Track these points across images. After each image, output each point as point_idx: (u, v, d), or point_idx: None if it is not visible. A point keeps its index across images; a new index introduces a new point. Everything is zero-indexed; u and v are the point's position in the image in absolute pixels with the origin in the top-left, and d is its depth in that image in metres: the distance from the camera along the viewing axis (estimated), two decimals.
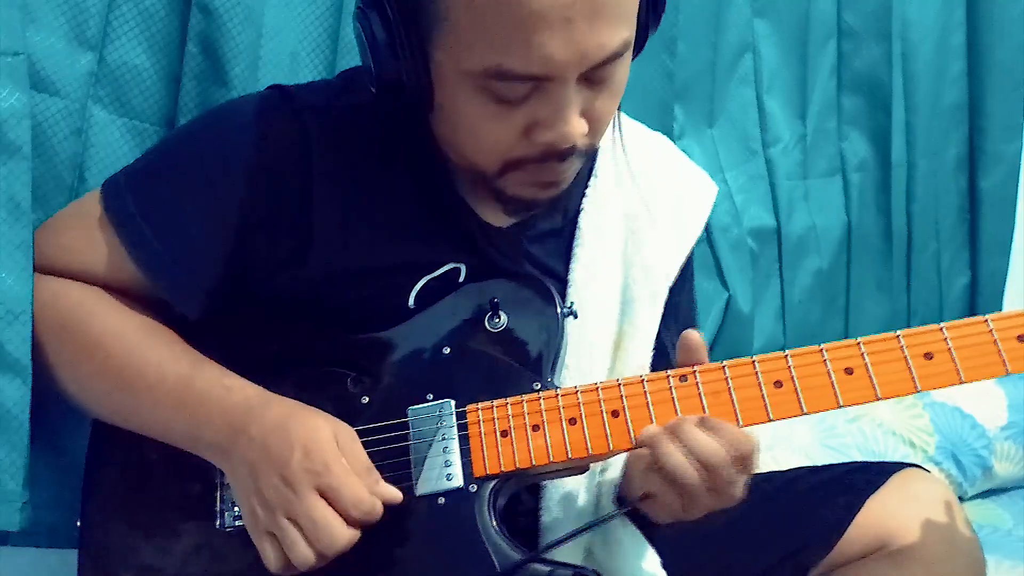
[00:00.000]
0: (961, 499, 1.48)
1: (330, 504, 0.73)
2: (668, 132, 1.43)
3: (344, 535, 0.73)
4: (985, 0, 1.65)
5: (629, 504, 0.79)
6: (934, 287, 1.75)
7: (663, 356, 0.93)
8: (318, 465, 0.73)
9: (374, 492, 0.75)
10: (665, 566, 0.87)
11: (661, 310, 0.95)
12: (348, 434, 0.77)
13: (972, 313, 1.69)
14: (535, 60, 0.70)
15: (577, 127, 0.75)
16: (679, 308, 0.99)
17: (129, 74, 1.03)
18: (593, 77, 0.74)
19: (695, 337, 0.78)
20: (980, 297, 1.79)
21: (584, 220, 0.93)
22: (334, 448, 0.75)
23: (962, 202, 1.75)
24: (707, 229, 1.49)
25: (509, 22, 0.69)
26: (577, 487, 0.86)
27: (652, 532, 0.90)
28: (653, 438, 0.74)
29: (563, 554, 0.86)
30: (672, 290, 0.97)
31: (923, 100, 1.64)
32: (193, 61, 1.04)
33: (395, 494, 0.76)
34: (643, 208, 0.96)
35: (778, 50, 1.55)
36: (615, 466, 0.91)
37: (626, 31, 0.73)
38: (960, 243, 1.77)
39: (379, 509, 0.74)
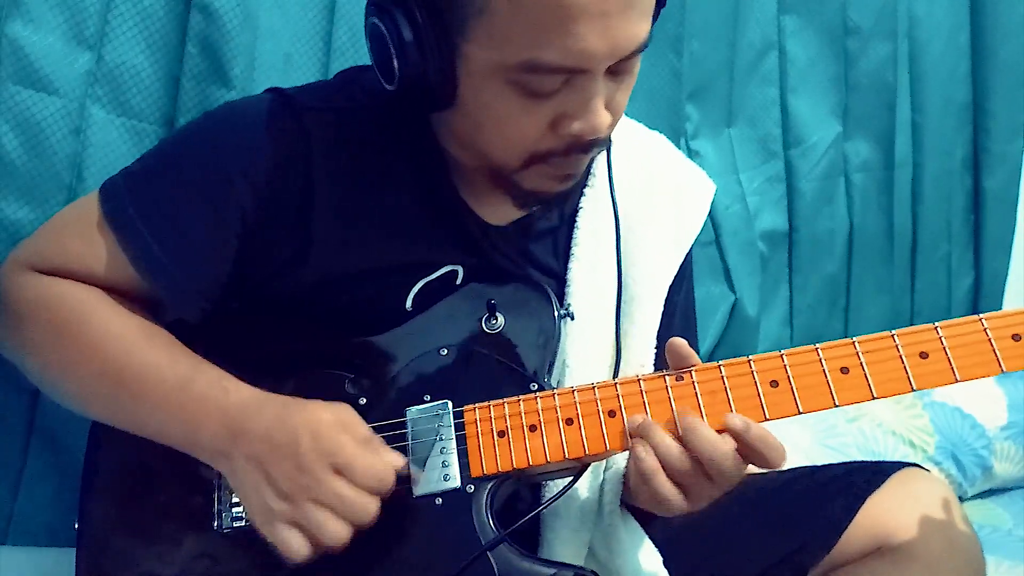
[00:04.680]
0: (961, 499, 1.48)
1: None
2: (679, 132, 1.43)
3: (373, 504, 0.74)
4: (989, 0, 1.65)
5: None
6: (943, 288, 1.75)
7: (662, 357, 0.93)
8: (329, 445, 0.74)
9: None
10: (666, 565, 0.87)
11: (661, 308, 0.95)
12: (347, 411, 0.77)
13: (975, 314, 1.68)
14: (573, 53, 0.71)
15: (605, 118, 0.76)
16: (677, 306, 0.99)
17: (128, 74, 1.03)
18: (618, 69, 0.75)
19: (682, 345, 0.78)
20: (982, 298, 1.79)
21: (582, 219, 0.93)
22: (340, 428, 0.75)
23: (967, 202, 1.75)
24: (715, 231, 1.48)
25: (550, 15, 0.69)
26: (579, 486, 0.86)
27: (654, 531, 0.90)
28: (645, 429, 0.75)
29: (565, 554, 0.86)
30: (671, 288, 0.97)
31: (931, 100, 1.64)
32: (192, 61, 1.04)
33: (399, 459, 0.77)
34: (641, 207, 0.96)
35: (807, 47, 1.53)
36: (620, 462, 0.91)
37: (648, 23, 0.75)
38: (965, 243, 1.77)
39: (392, 476, 0.75)
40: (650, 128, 1.06)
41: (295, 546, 0.74)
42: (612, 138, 0.92)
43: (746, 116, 1.51)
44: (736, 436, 0.73)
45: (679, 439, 0.74)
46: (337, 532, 0.73)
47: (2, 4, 0.95)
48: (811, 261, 1.60)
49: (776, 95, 1.53)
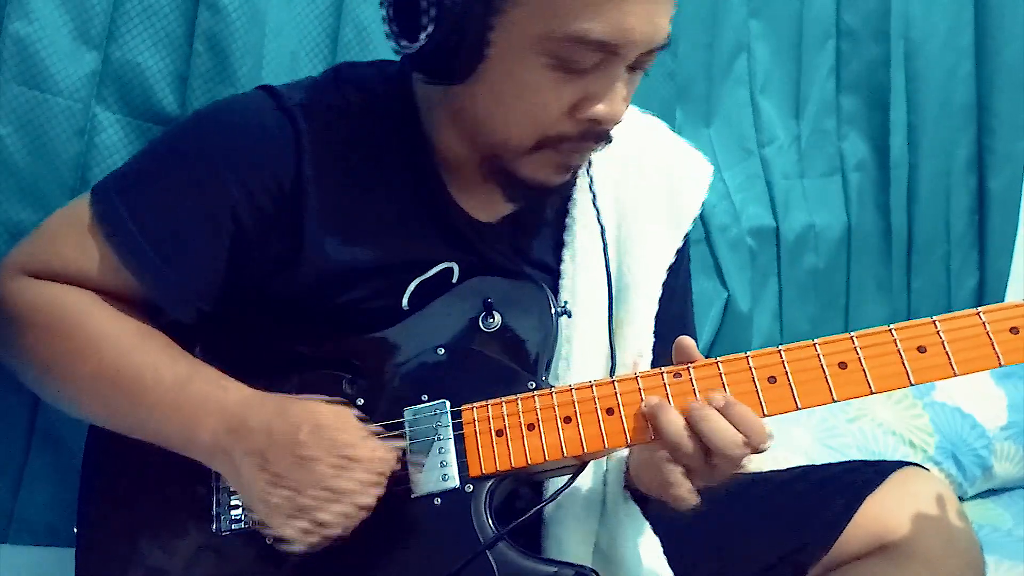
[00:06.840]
0: (961, 499, 1.48)
1: None
2: None
3: (372, 490, 0.74)
4: (994, 1, 1.65)
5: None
6: (943, 288, 1.75)
7: (662, 341, 0.92)
8: (329, 434, 0.74)
9: None
10: (666, 555, 0.87)
11: (658, 295, 0.94)
12: (344, 409, 0.78)
13: None
14: (620, 30, 0.72)
15: (624, 105, 0.77)
16: (676, 290, 0.98)
17: (133, 73, 1.02)
18: (637, 63, 0.77)
19: (689, 343, 0.78)
20: (986, 298, 1.79)
21: (574, 212, 0.93)
22: (338, 420, 0.75)
23: (972, 203, 1.75)
24: (706, 228, 1.49)
25: None
26: (583, 476, 0.86)
27: (654, 520, 0.90)
28: (655, 408, 0.75)
29: (572, 544, 0.86)
30: (669, 273, 0.96)
31: (928, 100, 1.64)
32: (200, 60, 1.03)
33: (398, 449, 0.78)
34: (633, 191, 0.96)
35: (772, 50, 1.56)
36: (622, 451, 0.90)
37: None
38: (969, 244, 1.77)
39: (394, 461, 0.76)
40: None
41: (298, 537, 0.74)
42: None
43: (722, 116, 1.53)
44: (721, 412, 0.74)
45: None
46: (337, 519, 0.73)
47: (6, 3, 0.95)
48: (794, 257, 1.61)
49: (747, 96, 1.55)
